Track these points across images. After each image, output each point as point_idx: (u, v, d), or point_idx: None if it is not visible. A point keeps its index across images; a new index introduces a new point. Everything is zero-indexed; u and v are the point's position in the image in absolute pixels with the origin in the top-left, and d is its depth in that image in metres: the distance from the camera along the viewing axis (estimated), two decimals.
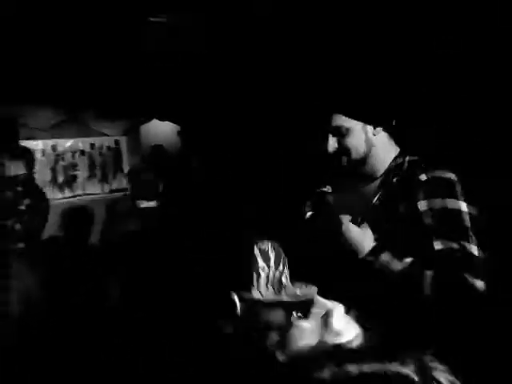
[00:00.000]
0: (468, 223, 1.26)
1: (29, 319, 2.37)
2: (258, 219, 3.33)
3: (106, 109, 4.05)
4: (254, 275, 1.34)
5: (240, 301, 1.32)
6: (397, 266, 1.29)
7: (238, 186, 3.71)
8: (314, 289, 1.36)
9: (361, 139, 1.41)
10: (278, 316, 1.31)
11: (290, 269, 1.41)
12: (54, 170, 3.85)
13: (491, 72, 2.12)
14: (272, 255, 1.38)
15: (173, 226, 2.85)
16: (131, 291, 2.36)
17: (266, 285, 1.35)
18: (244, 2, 2.83)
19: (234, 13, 2.92)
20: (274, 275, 1.37)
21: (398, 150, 1.44)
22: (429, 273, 1.25)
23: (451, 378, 1.04)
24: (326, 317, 1.28)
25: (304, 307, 1.27)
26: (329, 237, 1.42)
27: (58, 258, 2.66)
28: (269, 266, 1.37)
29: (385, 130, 1.41)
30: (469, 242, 1.24)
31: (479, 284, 1.20)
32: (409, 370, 0.72)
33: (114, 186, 4.15)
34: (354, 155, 1.42)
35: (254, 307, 1.32)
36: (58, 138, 3.87)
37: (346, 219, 1.38)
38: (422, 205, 1.29)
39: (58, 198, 3.77)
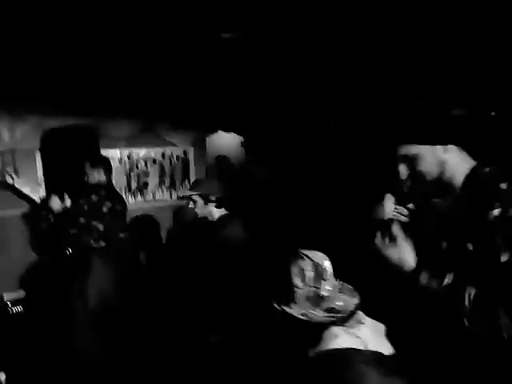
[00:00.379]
0: None
1: (106, 311, 2.58)
2: (315, 229, 3.36)
3: (176, 121, 4.33)
4: (292, 290, 1.45)
5: (280, 312, 1.44)
6: (436, 284, 1.27)
7: (301, 197, 3.77)
8: (355, 300, 1.46)
9: (432, 162, 1.37)
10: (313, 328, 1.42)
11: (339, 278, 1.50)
12: (128, 177, 4.17)
13: None
14: (311, 273, 1.47)
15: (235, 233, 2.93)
16: (193, 291, 2.49)
17: (305, 300, 1.45)
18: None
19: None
20: (311, 291, 1.46)
21: (473, 161, 1.39)
22: (472, 293, 1.21)
23: None
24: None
25: (341, 320, 1.41)
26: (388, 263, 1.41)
27: (133, 256, 2.84)
28: (306, 284, 1.47)
29: (456, 144, 1.37)
30: None
31: None
32: None
33: (182, 192, 4.38)
34: (428, 177, 1.39)
35: (292, 320, 1.42)
36: (133, 147, 4.19)
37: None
38: (497, 212, 1.22)
39: (131, 203, 4.07)
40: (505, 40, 2.33)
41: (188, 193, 2.49)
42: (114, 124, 3.97)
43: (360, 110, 3.62)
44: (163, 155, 4.38)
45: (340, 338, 1.39)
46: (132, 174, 4.18)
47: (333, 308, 1.44)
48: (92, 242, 2.74)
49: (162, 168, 4.37)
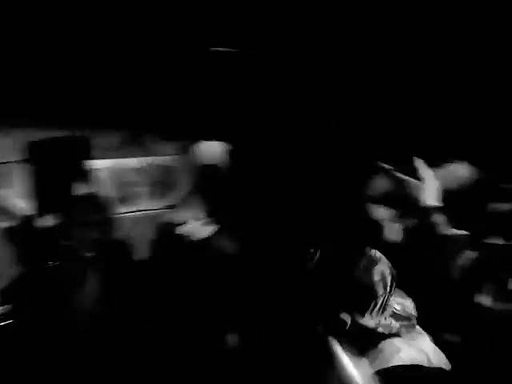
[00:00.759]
0: None
1: (98, 320, 2.59)
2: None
3: (164, 131, 4.37)
4: (373, 303, 1.24)
5: (352, 324, 1.25)
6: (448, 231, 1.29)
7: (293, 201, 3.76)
8: (409, 302, 1.32)
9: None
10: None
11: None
12: (117, 187, 4.20)
13: None
14: (389, 280, 1.27)
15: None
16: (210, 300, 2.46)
17: (379, 311, 1.26)
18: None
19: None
20: (387, 300, 1.28)
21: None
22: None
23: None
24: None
25: (408, 328, 1.26)
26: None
27: (123, 264, 2.85)
28: (386, 292, 1.27)
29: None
30: None
31: None
32: None
33: (169, 202, 4.41)
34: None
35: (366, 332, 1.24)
36: (121, 157, 4.22)
37: None
38: None
39: (121, 212, 4.08)
40: (505, 40, 2.35)
41: (176, 213, 2.47)
42: (100, 135, 4.00)
43: (360, 110, 3.61)
44: (151, 165, 4.42)
45: (403, 352, 1.21)
46: (121, 183, 4.21)
47: (395, 314, 1.26)
48: (82, 252, 2.75)
49: (150, 177, 4.40)
